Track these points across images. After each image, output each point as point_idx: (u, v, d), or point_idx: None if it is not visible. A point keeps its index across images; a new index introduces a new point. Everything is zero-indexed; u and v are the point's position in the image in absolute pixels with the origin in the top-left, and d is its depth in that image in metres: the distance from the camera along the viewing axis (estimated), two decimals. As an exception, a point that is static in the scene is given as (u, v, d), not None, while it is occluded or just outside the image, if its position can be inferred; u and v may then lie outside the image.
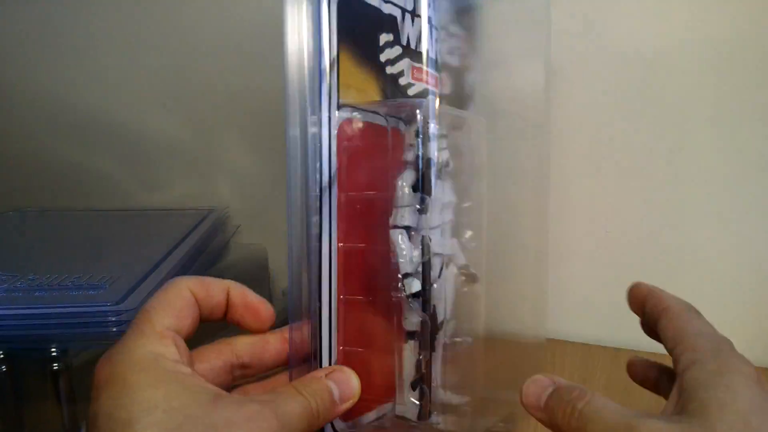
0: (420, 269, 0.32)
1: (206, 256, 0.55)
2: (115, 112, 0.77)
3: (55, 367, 0.39)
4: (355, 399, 0.30)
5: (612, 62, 0.55)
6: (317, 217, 0.31)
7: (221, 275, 0.55)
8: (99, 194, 0.80)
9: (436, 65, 0.36)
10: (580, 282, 0.60)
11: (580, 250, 0.59)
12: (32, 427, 0.40)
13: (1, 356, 0.37)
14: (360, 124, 0.32)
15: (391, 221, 0.32)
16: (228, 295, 0.31)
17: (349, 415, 0.31)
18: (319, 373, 0.30)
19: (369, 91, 0.33)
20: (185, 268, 0.48)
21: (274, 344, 0.32)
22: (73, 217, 0.68)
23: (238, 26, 0.71)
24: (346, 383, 0.30)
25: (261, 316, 0.32)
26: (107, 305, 0.39)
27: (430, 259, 0.32)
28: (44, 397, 0.39)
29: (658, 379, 0.33)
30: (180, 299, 0.29)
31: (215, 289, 0.31)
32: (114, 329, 0.37)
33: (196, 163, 0.76)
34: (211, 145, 0.75)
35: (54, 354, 0.38)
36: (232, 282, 0.32)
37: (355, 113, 0.32)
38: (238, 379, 0.32)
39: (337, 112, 0.31)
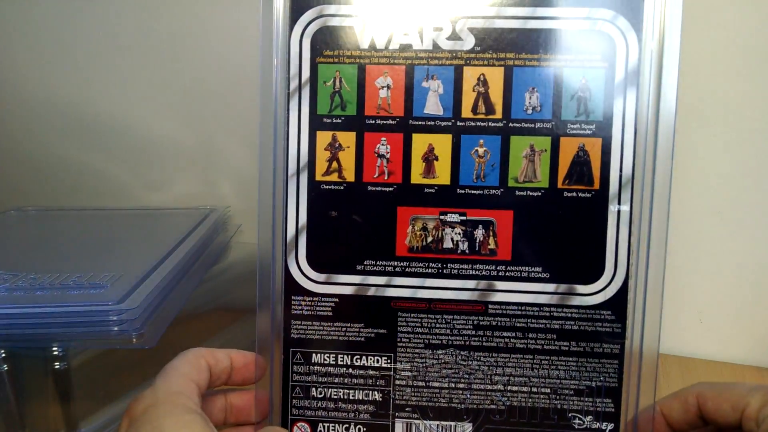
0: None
1: (207, 255, 0.56)
2: (116, 110, 0.77)
3: (56, 366, 0.39)
4: None
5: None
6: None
7: (222, 275, 0.59)
8: (100, 193, 0.80)
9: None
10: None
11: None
12: (33, 426, 0.40)
13: (3, 355, 0.37)
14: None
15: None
16: (231, 359, 0.36)
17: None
18: None
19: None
20: (186, 268, 0.49)
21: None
22: (74, 216, 0.68)
23: (241, 28, 0.71)
24: None
25: (258, 367, 0.37)
26: (108, 304, 0.39)
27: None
28: (45, 396, 0.40)
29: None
30: (199, 360, 0.34)
31: (221, 356, 0.35)
32: (115, 328, 0.38)
33: (198, 163, 0.77)
34: (213, 145, 0.75)
35: (55, 353, 0.39)
36: (234, 350, 0.36)
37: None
38: None
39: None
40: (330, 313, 0.38)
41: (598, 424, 0.36)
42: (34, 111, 0.81)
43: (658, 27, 0.35)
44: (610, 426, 0.36)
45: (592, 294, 0.36)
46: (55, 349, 0.39)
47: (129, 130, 0.77)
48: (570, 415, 0.37)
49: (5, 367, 0.37)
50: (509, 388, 0.37)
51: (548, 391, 0.37)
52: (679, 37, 0.35)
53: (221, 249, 0.61)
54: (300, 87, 0.37)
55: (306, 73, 0.37)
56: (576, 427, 0.37)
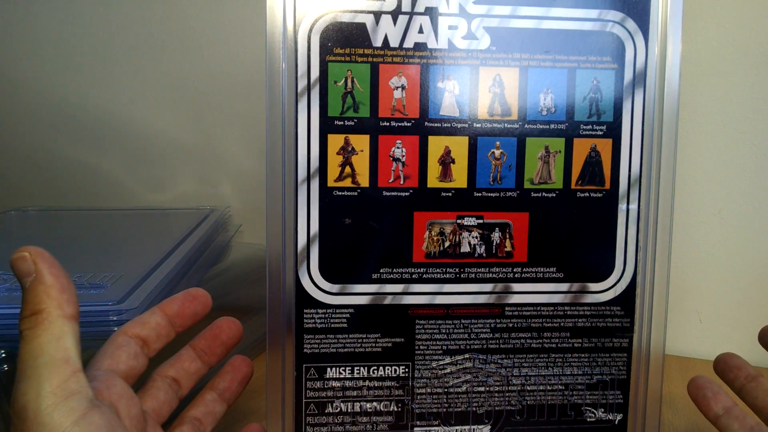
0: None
1: (207, 255, 0.55)
2: (117, 111, 0.77)
3: (56, 367, 0.38)
4: None
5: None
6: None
7: (222, 275, 0.58)
8: (100, 193, 0.79)
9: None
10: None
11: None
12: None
13: (3, 356, 0.37)
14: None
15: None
16: (164, 309, 0.33)
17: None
18: None
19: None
20: (186, 268, 0.48)
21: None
22: (74, 216, 0.67)
23: (242, 27, 0.70)
24: None
25: (200, 298, 0.34)
26: (108, 305, 0.39)
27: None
28: (45, 397, 0.39)
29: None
30: (111, 344, 0.31)
31: (147, 317, 0.32)
32: (115, 328, 0.36)
33: (198, 163, 0.75)
34: (213, 145, 0.74)
35: (55, 353, 0.38)
36: (165, 301, 0.34)
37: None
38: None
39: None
40: (345, 325, 0.36)
41: (608, 415, 0.38)
42: (34, 111, 0.80)
43: (662, 29, 0.36)
44: (620, 416, 0.38)
45: (603, 291, 0.37)
46: (55, 349, 0.37)
47: (129, 130, 0.76)
48: (583, 409, 0.38)
49: (5, 367, 0.36)
50: (526, 387, 0.37)
51: (562, 387, 0.37)
52: (680, 38, 0.36)
53: (221, 249, 0.60)
54: (309, 87, 0.34)
55: (315, 72, 0.34)
56: (588, 420, 0.38)
